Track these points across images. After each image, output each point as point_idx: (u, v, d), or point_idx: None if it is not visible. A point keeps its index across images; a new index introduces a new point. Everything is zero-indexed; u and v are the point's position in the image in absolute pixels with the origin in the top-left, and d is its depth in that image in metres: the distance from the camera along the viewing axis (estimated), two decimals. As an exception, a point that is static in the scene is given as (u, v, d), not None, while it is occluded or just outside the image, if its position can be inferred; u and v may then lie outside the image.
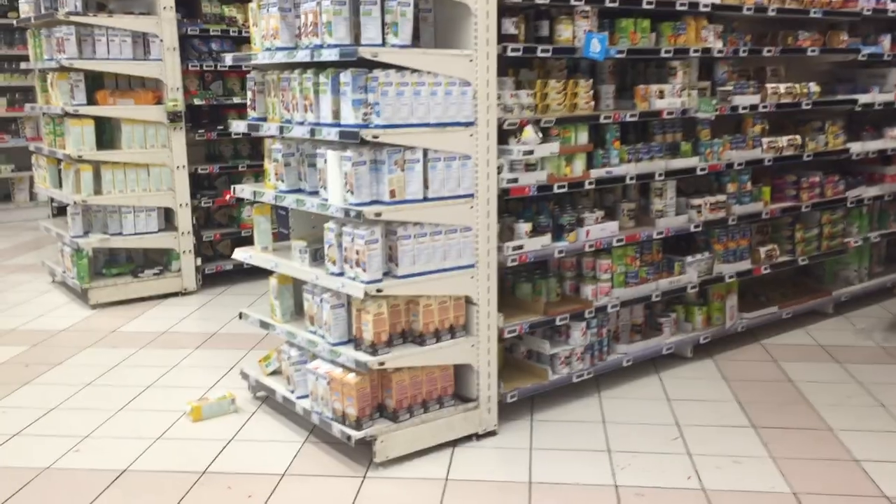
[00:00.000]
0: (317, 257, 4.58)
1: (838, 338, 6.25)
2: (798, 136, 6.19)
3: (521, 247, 4.74)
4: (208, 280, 7.84)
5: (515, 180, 4.65)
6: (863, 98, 6.54)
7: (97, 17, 6.91)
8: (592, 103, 5.01)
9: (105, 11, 7.22)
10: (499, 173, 4.52)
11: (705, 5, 5.36)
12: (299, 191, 4.67)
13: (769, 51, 5.89)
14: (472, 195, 4.44)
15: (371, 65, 4.11)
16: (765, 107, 5.87)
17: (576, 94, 4.89)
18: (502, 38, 4.52)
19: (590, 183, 4.99)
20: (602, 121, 5.00)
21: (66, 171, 7.17)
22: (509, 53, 4.52)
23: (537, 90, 4.73)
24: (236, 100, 7.80)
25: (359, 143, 4.06)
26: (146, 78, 7.26)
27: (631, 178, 5.19)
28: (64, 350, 6.15)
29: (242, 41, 7.79)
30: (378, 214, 4.11)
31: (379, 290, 4.16)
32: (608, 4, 4.88)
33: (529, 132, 4.59)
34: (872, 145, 6.73)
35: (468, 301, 4.52)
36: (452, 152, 4.34)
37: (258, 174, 8.03)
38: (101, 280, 7.34)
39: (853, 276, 7.02)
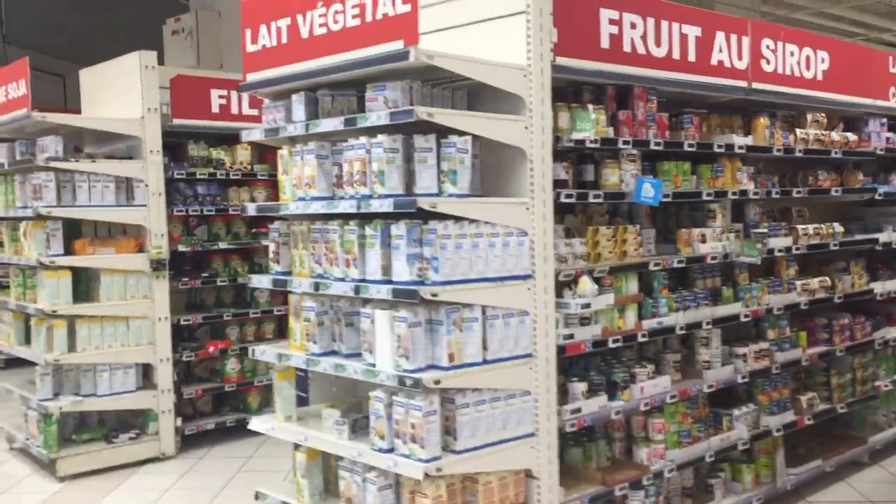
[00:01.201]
0: (356, 429, 4.05)
1: (883, 491, 5.85)
2: (827, 278, 5.97)
3: (578, 409, 4.29)
4: (188, 441, 7.13)
5: (571, 336, 4.24)
6: (882, 237, 6.40)
7: (80, 163, 6.45)
8: (641, 250, 4.69)
9: (83, 155, 6.78)
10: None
11: (740, 147, 5.18)
12: (334, 353, 4.17)
13: (798, 192, 5.73)
14: (530, 355, 4.01)
15: (423, 215, 3.73)
16: (797, 248, 5.65)
17: (625, 240, 4.58)
18: (554, 183, 4.21)
19: (643, 335, 4.62)
20: (652, 268, 4.68)
21: (38, 328, 6.53)
22: (563, 200, 4.20)
23: (589, 238, 4.40)
24: (222, 245, 7.33)
25: (416, 302, 3.63)
26: (128, 224, 6.76)
27: (681, 329, 4.83)
28: (35, 535, 5.38)
29: (230, 184, 7.40)
30: (437, 382, 3.64)
31: (439, 470, 3.64)
32: (652, 147, 4.64)
33: (586, 283, 4.22)
34: (892, 285, 6.56)
35: (528, 475, 4.02)
36: (510, 309, 3.94)
37: (243, 323, 7.50)
38: (71, 447, 6.58)
39: (882, 420, 6.70)
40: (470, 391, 3.79)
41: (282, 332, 7.73)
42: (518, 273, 3.95)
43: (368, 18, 3.85)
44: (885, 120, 6.50)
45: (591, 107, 4.37)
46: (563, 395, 4.33)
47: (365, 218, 3.97)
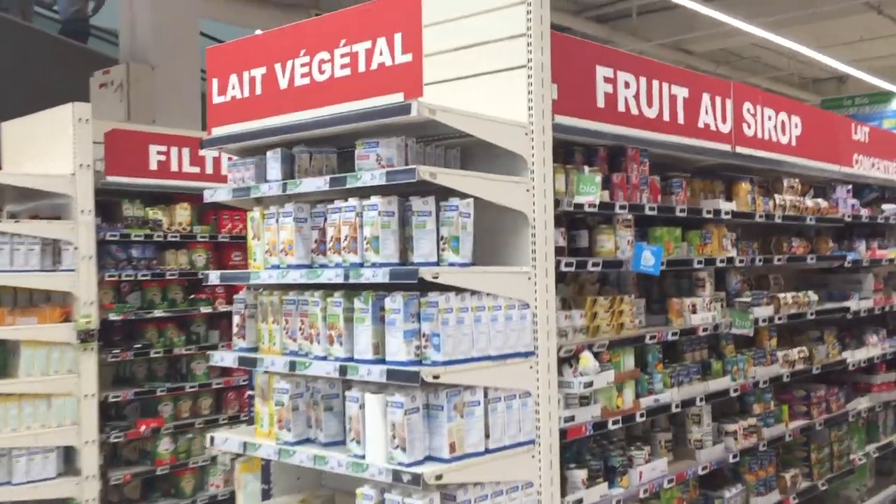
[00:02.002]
0: (336, 530, 3.56)
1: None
2: (805, 349, 5.78)
3: (580, 500, 3.89)
4: (115, 533, 6.41)
5: (572, 418, 3.86)
6: (852, 305, 6.27)
7: (2, 223, 5.82)
8: (636, 321, 4.38)
9: (6, 215, 6.15)
10: (561, 412, 3.73)
11: (726, 213, 4.96)
12: (309, 441, 3.69)
13: (779, 259, 5.54)
14: (532, 441, 3.61)
15: (419, 287, 3.33)
16: (780, 318, 5.45)
17: (621, 311, 4.25)
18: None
19: (641, 415, 4.27)
20: (648, 341, 4.36)
21: (-54, 408, 5.79)
22: (563, 269, 3.85)
23: (587, 309, 4.06)
24: (157, 312, 6.72)
25: (415, 385, 3.20)
26: (53, 291, 6.12)
27: (676, 406, 4.51)
28: None
29: (167, 246, 6.82)
30: (439, 477, 3.19)
31: (441, 580, 3.17)
32: (647, 212, 4.36)
33: (588, 360, 3.87)
34: (862, 354, 6.42)
35: (531, 578, 3.58)
36: (512, 390, 3.54)
37: (178, 398, 6.86)
38: (-21, 545, 5.81)
39: (855, 495, 6.50)
40: (472, 486, 3.35)
41: (219, 407, 7.14)
42: (520, 350, 3.57)
43: (361, 69, 3.49)
44: (849, 186, 6.43)
45: (586, 168, 4.07)
46: (562, 484, 3.93)
47: (351, 289, 3.54)
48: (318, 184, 3.50)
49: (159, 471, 6.65)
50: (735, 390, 4.96)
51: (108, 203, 6.58)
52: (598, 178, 3.84)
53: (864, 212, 6.56)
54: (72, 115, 6.11)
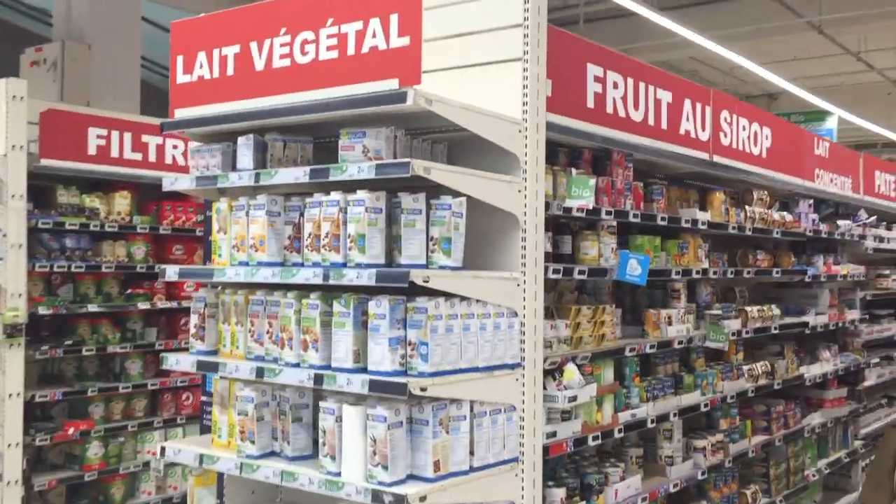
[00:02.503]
0: (303, 552, 3.27)
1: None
2: (767, 363, 5.70)
3: (560, 521, 3.68)
4: (36, 543, 5.95)
5: (554, 434, 3.66)
6: (810, 320, 6.24)
7: (-77, 205, 5.34)
8: (617, 333, 4.20)
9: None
10: (545, 428, 3.51)
11: (703, 223, 4.82)
12: (274, 454, 3.39)
13: (748, 272, 5.45)
14: (516, 459, 3.38)
15: (404, 291, 3.07)
16: (747, 332, 5.35)
17: (603, 322, 4.06)
18: (539, 257, 3.65)
19: (619, 430, 4.09)
20: (627, 353, 4.18)
21: None
22: (550, 275, 3.64)
23: (571, 320, 3.85)
24: (91, 307, 6.28)
25: (401, 398, 2.94)
26: (-22, 282, 5.65)
27: (652, 421, 4.35)
28: None
29: (103, 237, 6.38)
30: (423, 499, 2.94)
31: None
32: (630, 219, 4.18)
33: (573, 373, 3.66)
34: (817, 369, 6.39)
35: None
36: (498, 404, 3.31)
37: (110, 399, 6.43)
38: None
39: (806, 511, 6.47)
40: (455, 507, 3.11)
41: (154, 409, 6.73)
42: (508, 361, 3.34)
43: (350, 52, 3.20)
44: (811, 201, 6.40)
45: (573, 171, 3.87)
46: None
47: (328, 290, 3.25)
48: (296, 175, 3.20)
49: (87, 477, 6.22)
50: (705, 405, 4.83)
51: (41, 188, 6.14)
52: (593, 182, 3.65)
53: (824, 227, 6.54)
54: (5, 91, 5.66)
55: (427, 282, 2.96)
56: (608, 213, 3.97)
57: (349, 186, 3.15)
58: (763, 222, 5.57)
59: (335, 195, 3.13)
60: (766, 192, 5.71)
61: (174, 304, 6.71)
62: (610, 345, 4.09)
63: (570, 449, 3.75)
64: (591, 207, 3.65)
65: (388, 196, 3.13)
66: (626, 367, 4.27)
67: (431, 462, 3.03)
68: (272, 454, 3.40)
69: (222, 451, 3.47)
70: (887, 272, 8.05)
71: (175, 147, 6.79)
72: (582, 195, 3.61)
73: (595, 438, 3.90)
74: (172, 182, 3.61)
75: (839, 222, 6.98)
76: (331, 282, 3.07)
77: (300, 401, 3.35)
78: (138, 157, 6.57)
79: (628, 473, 4.28)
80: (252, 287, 3.50)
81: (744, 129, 5.31)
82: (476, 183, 3.21)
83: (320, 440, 3.16)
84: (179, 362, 3.57)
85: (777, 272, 5.81)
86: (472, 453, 3.19)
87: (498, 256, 3.44)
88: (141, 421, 6.57)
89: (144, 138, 6.60)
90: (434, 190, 3.17)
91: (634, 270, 3.90)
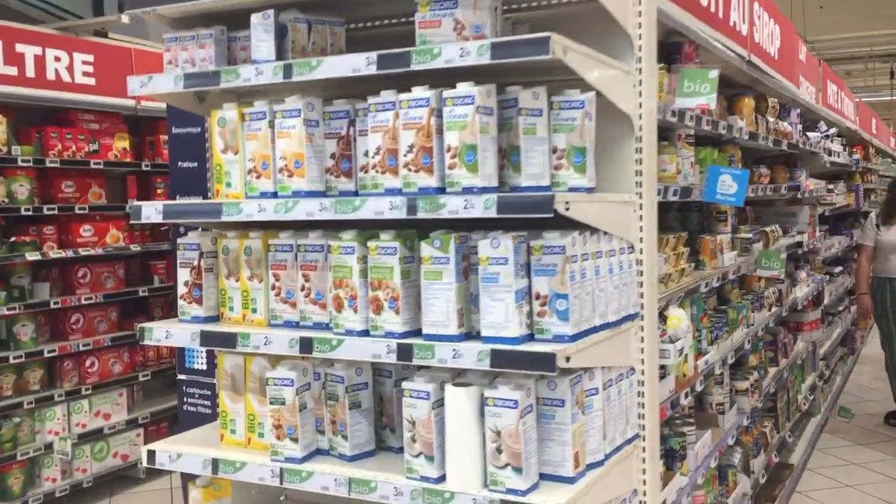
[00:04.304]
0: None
1: None
2: (775, 289, 5.18)
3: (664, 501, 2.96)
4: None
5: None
6: (804, 241, 5.78)
7: None
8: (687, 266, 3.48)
9: None
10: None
11: (745, 133, 4.13)
12: (321, 453, 2.48)
13: (773, 189, 4.87)
14: (637, 436, 2.62)
15: (514, 224, 2.22)
16: (769, 256, 4.77)
17: (682, 254, 3.33)
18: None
19: (700, 382, 3.41)
20: (703, 290, 3.48)
21: None
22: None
23: (668, 251, 3.09)
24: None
25: (553, 373, 2.10)
26: None
27: (720, 369, 3.69)
28: None
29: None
30: (570, 508, 2.13)
31: None
32: (704, 127, 3.42)
33: (680, 319, 2.91)
34: (802, 291, 5.97)
35: None
36: (620, 368, 2.52)
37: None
38: None
39: (789, 440, 6.10)
40: (591, 510, 2.32)
41: (52, 381, 5.55)
42: (630, 311, 2.55)
43: None
44: (799, 111, 5.88)
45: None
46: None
47: (400, 228, 2.34)
48: (354, 64, 2.23)
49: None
50: (749, 342, 4.24)
51: None
52: (714, 75, 2.83)
53: (810, 140, 6.05)
54: None
55: (569, 209, 2.10)
56: (692, 118, 3.19)
57: (434, 80, 2.22)
58: (776, 133, 4.98)
59: (421, 92, 2.19)
60: (776, 100, 5.10)
61: (69, 254, 5.49)
62: (687, 281, 3.37)
63: (669, 413, 3.03)
64: (712, 108, 2.86)
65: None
66: (695, 305, 3.57)
67: (571, 455, 2.22)
68: (317, 453, 2.49)
69: (245, 453, 2.52)
70: (831, 186, 7.78)
71: (58, 59, 5.48)
72: (700, 92, 2.81)
73: (686, 396, 3.20)
74: (145, 83, 2.53)
75: (808, 134, 6.53)
76: (420, 215, 2.15)
77: (357, 379, 2.45)
78: (12, 71, 5.23)
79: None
80: (276, 227, 2.53)
81: (765, 25, 4.64)
82: (605, 74, 2.35)
83: (406, 434, 2.27)
84: (171, 335, 2.55)
85: (785, 189, 5.26)
86: (604, 437, 2.40)
87: (607, 174, 2.61)
88: (38, 395, 5.38)
89: (20, 48, 5.27)
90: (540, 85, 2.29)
91: (729, 189, 3.17)
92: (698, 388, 3.38)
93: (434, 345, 2.18)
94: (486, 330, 2.16)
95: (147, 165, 6.03)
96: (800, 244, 5.67)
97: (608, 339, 2.37)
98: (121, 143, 5.89)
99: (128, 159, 5.94)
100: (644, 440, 2.63)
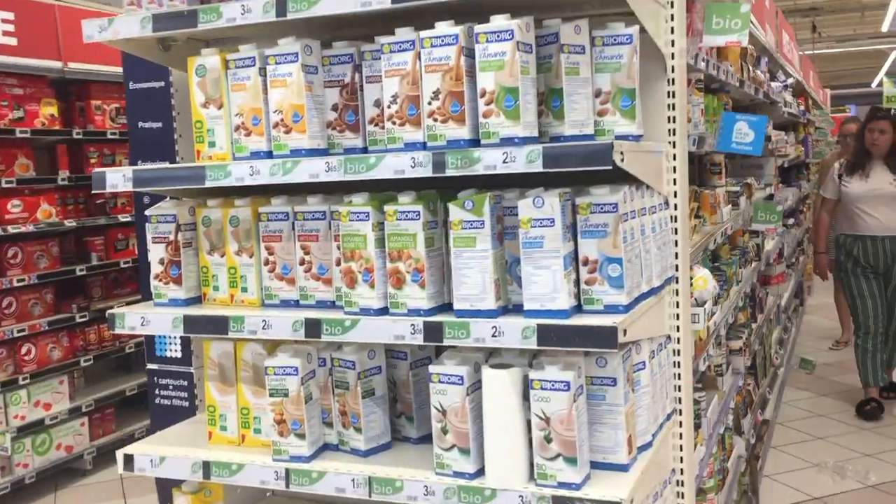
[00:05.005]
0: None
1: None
2: (754, 243, 5.03)
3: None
4: None
5: (683, 365, 2.67)
6: (773, 193, 5.65)
7: None
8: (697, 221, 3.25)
9: None
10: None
11: (733, 78, 3.92)
12: (329, 448, 2.18)
13: (751, 139, 4.66)
14: (674, 411, 2.39)
15: (544, 179, 1.93)
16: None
17: (692, 210, 3.09)
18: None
19: (712, 346, 3.19)
20: (711, 246, 3.26)
21: None
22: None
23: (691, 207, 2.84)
24: None
25: (613, 350, 1.83)
26: None
27: (725, 328, 3.49)
28: None
29: None
30: (632, 502, 1.88)
31: None
32: (709, 71, 3.17)
33: (707, 280, 2.68)
34: (770, 244, 5.86)
35: None
36: (658, 337, 2.27)
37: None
38: None
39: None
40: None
41: (-14, 370, 5.07)
42: (669, 274, 2.29)
43: None
44: (767, 59, 5.71)
45: None
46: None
47: (418, 187, 2.03)
48: (362, -3, 1.89)
49: None
50: (741, 299, 4.06)
51: None
52: (747, 8, 2.56)
53: (774, 89, 5.89)
54: None
55: (623, 160, 1.81)
56: (704, 61, 2.93)
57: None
58: (754, 81, 4.78)
59: (447, 27, 1.87)
60: (753, 48, 4.90)
61: (-4, 230, 5.00)
62: (698, 238, 3.14)
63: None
64: (744, 44, 2.60)
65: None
66: (702, 264, 3.35)
67: (624, 440, 1.96)
68: (325, 449, 2.19)
69: (240, 453, 2.20)
70: (787, 138, 7.70)
71: None
72: (731, 28, 2.54)
73: (704, 361, 2.99)
74: (104, 27, 2.14)
75: (772, 84, 6.38)
76: (449, 172, 1.84)
77: (370, 364, 2.14)
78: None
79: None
80: (268, 192, 2.19)
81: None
82: (646, 5, 2.06)
83: (435, 425, 1.98)
84: (148, 322, 2.20)
85: (761, 139, 5.08)
86: (652, 415, 2.16)
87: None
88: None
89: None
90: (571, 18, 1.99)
91: (745, 137, 2.93)
92: (711, 352, 3.17)
93: (469, 322, 1.88)
94: (530, 303, 1.87)
95: (79, 133, 5.53)
96: (771, 196, 5.53)
97: (653, 306, 2.11)
98: (48, 110, 5.38)
99: (56, 126, 5.43)
100: (681, 414, 2.40)
